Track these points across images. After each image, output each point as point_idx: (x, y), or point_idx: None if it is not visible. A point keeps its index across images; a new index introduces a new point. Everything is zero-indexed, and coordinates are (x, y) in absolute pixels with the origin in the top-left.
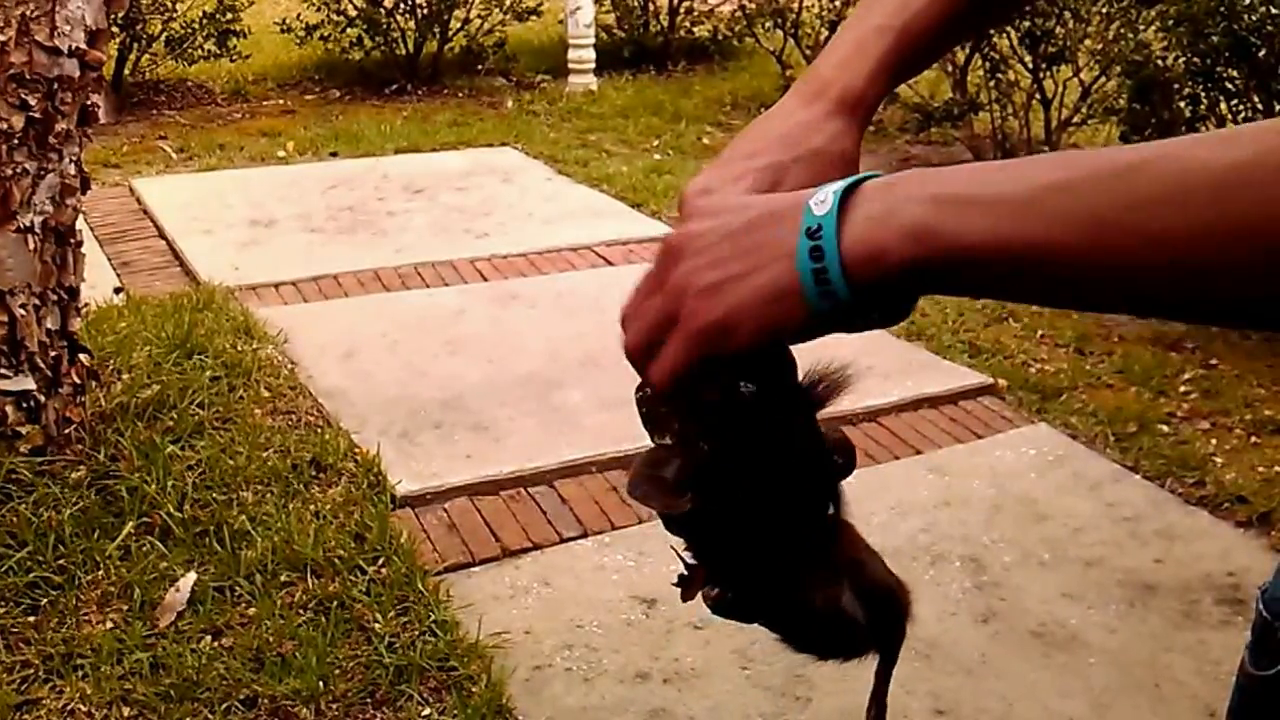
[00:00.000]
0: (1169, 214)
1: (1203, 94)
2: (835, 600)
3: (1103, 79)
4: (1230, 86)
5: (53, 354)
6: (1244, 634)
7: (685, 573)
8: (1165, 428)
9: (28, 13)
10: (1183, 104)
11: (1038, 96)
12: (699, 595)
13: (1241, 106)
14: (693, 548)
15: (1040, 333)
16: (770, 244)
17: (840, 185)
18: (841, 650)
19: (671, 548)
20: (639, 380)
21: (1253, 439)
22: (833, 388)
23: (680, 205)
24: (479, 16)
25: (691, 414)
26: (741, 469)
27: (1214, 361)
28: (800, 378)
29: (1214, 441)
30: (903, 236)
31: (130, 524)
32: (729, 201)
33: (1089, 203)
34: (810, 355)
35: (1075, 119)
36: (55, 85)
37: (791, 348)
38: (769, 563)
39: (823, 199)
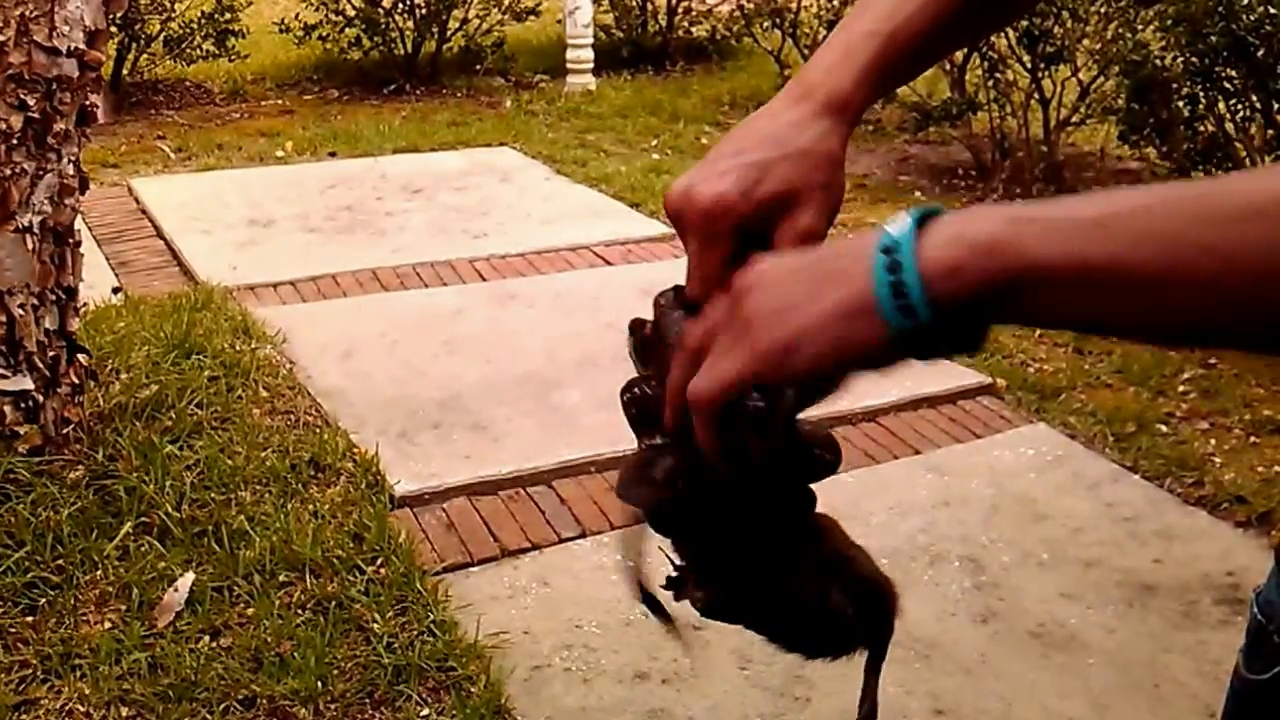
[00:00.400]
0: (1248, 230)
1: (1201, 94)
2: (824, 596)
3: (1101, 79)
4: (1229, 86)
5: (51, 354)
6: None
7: (674, 574)
8: (1164, 427)
9: (27, 13)
10: (1181, 104)
11: (1036, 96)
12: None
13: (1240, 106)
14: (681, 548)
15: (1039, 332)
16: (843, 270)
17: (915, 210)
18: (831, 647)
19: (660, 549)
20: (629, 379)
21: (1252, 439)
22: (822, 390)
23: (665, 202)
24: (477, 16)
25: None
26: (731, 466)
27: (1213, 361)
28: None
29: (1213, 441)
30: (979, 252)
31: (128, 524)
32: (804, 250)
33: (1166, 221)
34: None
35: (1074, 119)
36: (54, 85)
37: None
38: (756, 561)
39: (898, 221)
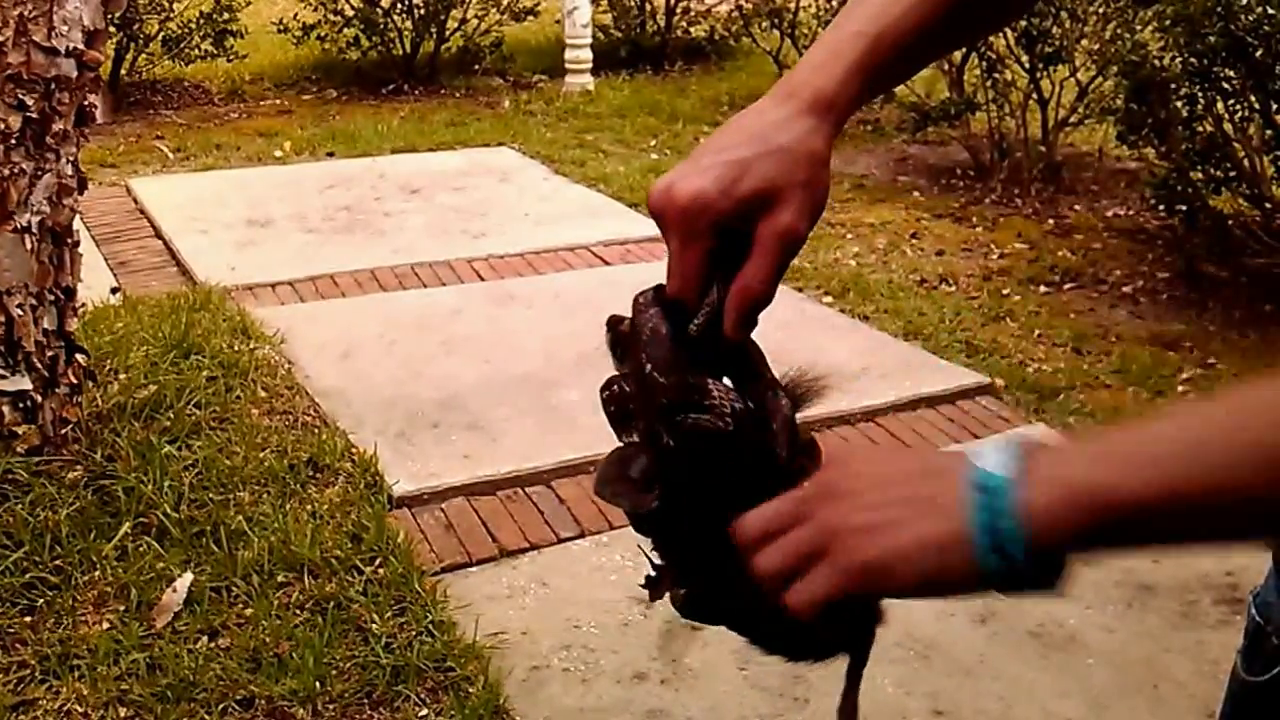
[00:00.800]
0: None
1: (1199, 94)
2: None
3: (1100, 79)
4: (1227, 87)
5: (49, 354)
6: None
7: (653, 573)
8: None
9: (25, 13)
10: (1179, 104)
11: (1034, 96)
12: (667, 596)
13: (1238, 106)
14: (660, 547)
15: (1038, 332)
16: (936, 496)
17: (1008, 448)
18: (809, 651)
19: (639, 547)
20: (608, 376)
21: None
22: (806, 394)
23: (648, 200)
24: (476, 16)
25: (661, 422)
26: (706, 468)
27: (1212, 361)
28: (774, 378)
29: None
30: (1076, 503)
31: (127, 524)
32: (895, 452)
33: (1259, 438)
34: (811, 358)
35: (1072, 119)
36: (52, 85)
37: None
38: (734, 562)
39: (994, 462)
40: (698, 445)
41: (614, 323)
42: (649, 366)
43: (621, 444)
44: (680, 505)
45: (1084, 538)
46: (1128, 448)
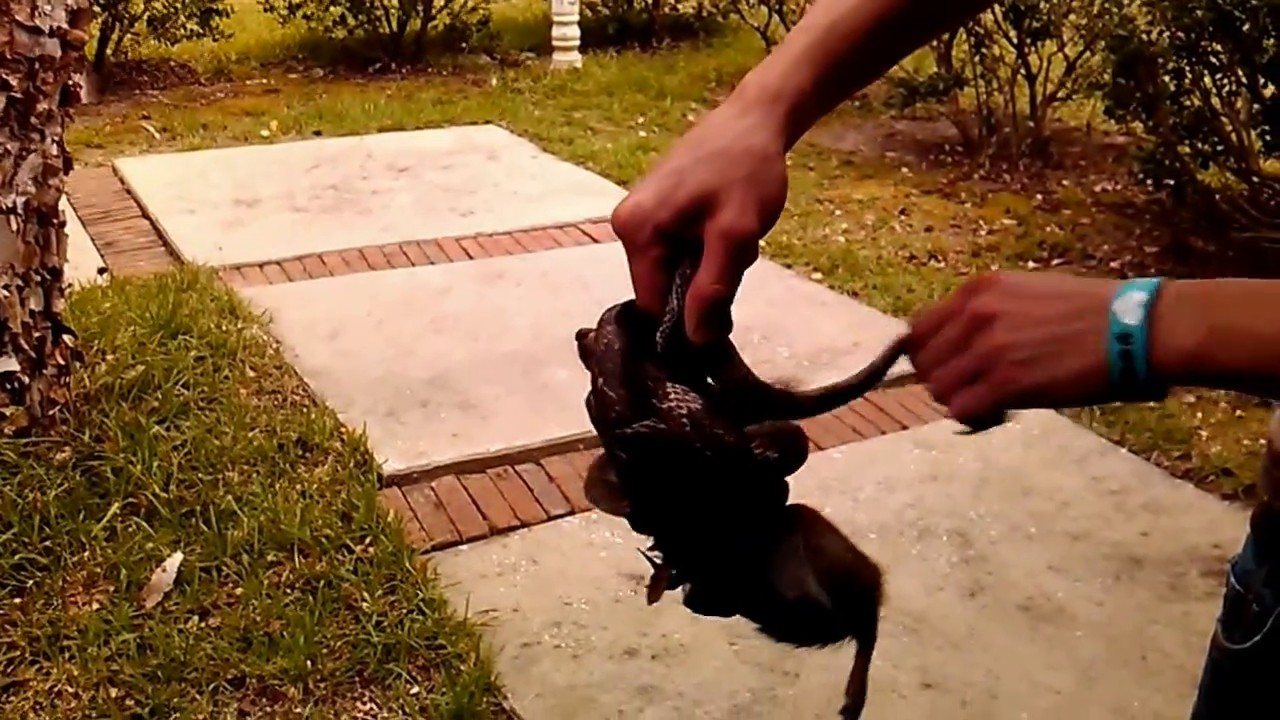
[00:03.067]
0: None
1: (1187, 68)
2: (800, 587)
3: (1087, 53)
4: (1214, 60)
5: (36, 335)
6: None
7: (654, 571)
8: (1150, 402)
9: None
10: (1167, 78)
11: (1022, 71)
12: (671, 593)
13: (1226, 80)
14: (658, 546)
15: None
16: (1082, 339)
17: (1144, 297)
18: (815, 637)
19: (639, 550)
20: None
21: (1238, 412)
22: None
23: (613, 222)
24: None
25: (610, 434)
26: (662, 473)
27: None
28: (749, 375)
29: (1199, 415)
30: (1188, 357)
31: (116, 505)
32: (1034, 285)
33: None
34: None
35: (1060, 94)
36: (36, 65)
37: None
38: (731, 554)
39: (1129, 309)
40: (647, 453)
41: (581, 335)
42: (600, 381)
43: (606, 447)
44: (652, 509)
45: (1195, 381)
46: (1233, 322)
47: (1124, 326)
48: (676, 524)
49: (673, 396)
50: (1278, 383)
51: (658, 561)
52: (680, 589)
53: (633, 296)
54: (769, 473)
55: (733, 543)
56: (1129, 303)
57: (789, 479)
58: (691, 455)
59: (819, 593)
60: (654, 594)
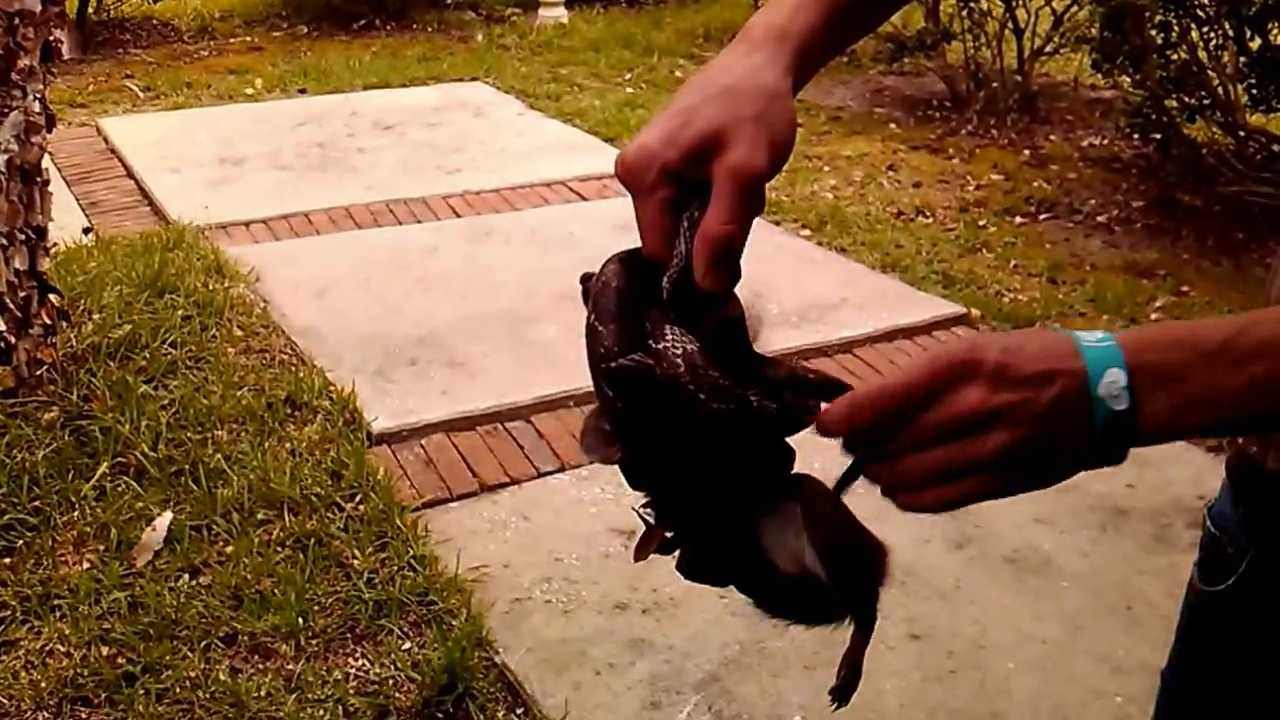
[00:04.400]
0: None
1: (1174, 21)
2: (797, 560)
3: (1074, 7)
4: (1201, 14)
5: (22, 294)
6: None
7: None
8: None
9: None
10: (1154, 32)
11: (1010, 26)
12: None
13: (1212, 34)
14: (651, 503)
15: (1013, 262)
16: (1071, 434)
17: (1123, 380)
18: (811, 615)
19: (633, 509)
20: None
21: None
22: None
23: (618, 166)
24: None
25: (597, 371)
26: (655, 415)
27: (1185, 288)
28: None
29: None
30: (1158, 430)
31: (105, 464)
32: (1017, 367)
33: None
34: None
35: (1047, 48)
36: (16, 20)
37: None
38: (723, 519)
39: (1115, 394)
40: (636, 393)
41: (585, 279)
42: (592, 317)
43: (603, 395)
44: (644, 458)
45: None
46: (1196, 397)
47: (1112, 414)
48: (669, 477)
49: (669, 336)
50: (1237, 430)
51: (650, 520)
52: (672, 553)
53: (638, 244)
54: (767, 427)
55: (727, 504)
56: (1113, 386)
57: (794, 445)
58: (683, 397)
59: (816, 567)
60: (642, 552)
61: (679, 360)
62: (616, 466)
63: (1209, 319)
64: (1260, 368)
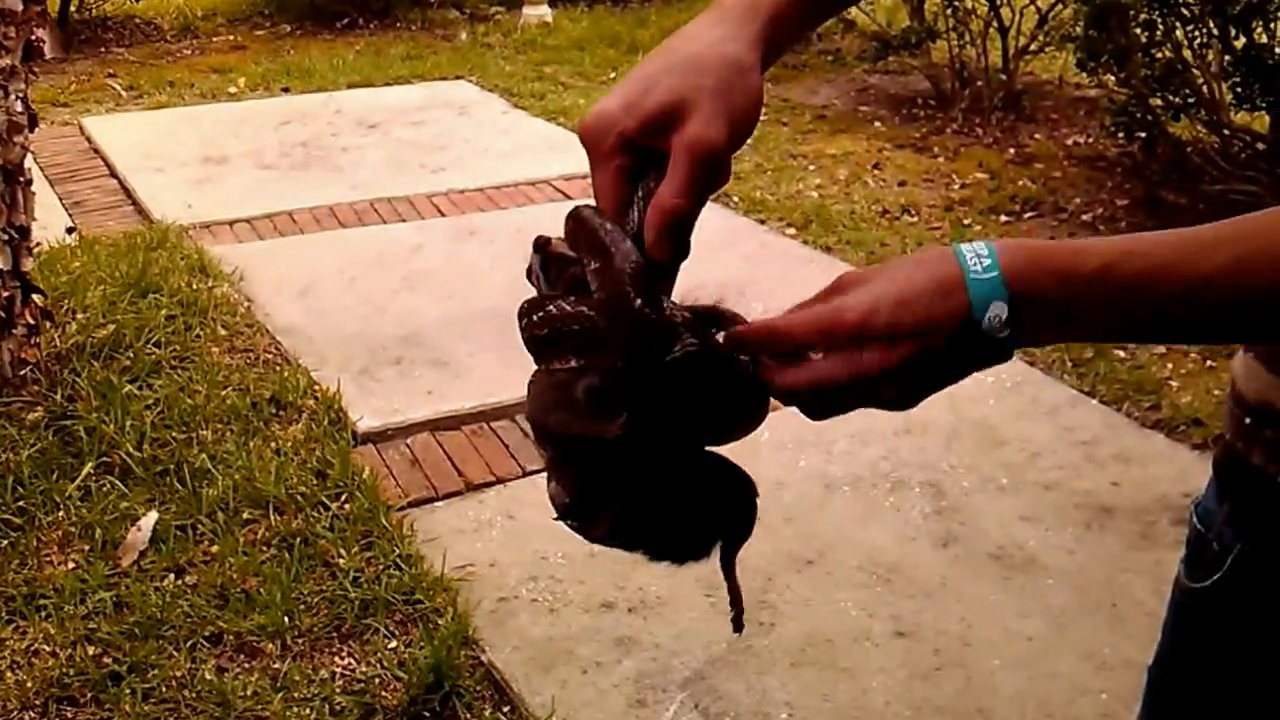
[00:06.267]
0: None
1: (1159, 20)
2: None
3: (1059, 6)
4: (1186, 12)
5: (5, 294)
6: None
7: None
8: (1121, 353)
9: None
10: (1139, 30)
11: (995, 24)
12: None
13: (1197, 32)
14: (594, 476)
15: None
16: (959, 362)
17: (1004, 314)
18: (693, 551)
19: (555, 483)
20: (531, 299)
21: (1208, 363)
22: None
23: (578, 130)
24: None
25: (642, 350)
26: (681, 389)
27: None
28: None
29: (1169, 366)
30: (1037, 344)
31: (89, 464)
32: (902, 315)
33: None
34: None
35: (1032, 47)
36: None
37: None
38: (659, 477)
39: (997, 326)
40: (679, 369)
41: (543, 243)
42: (638, 301)
43: (554, 369)
44: (649, 427)
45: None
46: (1087, 322)
47: (995, 340)
48: (658, 444)
49: (678, 316)
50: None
51: (566, 497)
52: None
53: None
54: (750, 389)
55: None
56: (995, 320)
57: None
58: (700, 371)
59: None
60: (598, 529)
61: (695, 339)
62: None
63: (1089, 241)
64: (1131, 303)
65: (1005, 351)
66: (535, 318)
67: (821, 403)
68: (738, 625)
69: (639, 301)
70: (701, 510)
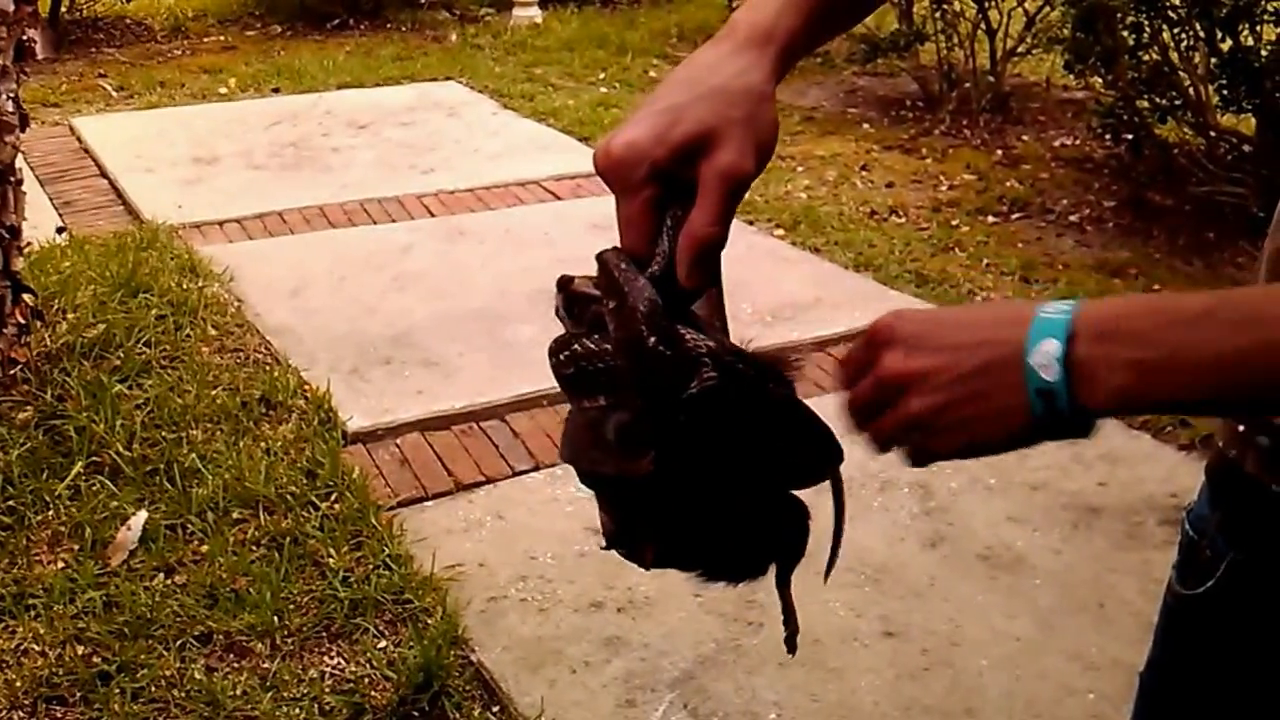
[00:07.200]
0: None
1: (1146, 22)
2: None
3: (1046, 8)
4: (1173, 15)
5: None
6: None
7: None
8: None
9: None
10: (1126, 32)
11: (983, 26)
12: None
13: (1184, 35)
14: (627, 507)
15: (986, 262)
16: (1000, 396)
17: (1058, 349)
18: (749, 571)
19: (602, 514)
20: (560, 337)
21: None
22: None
23: (603, 159)
24: None
25: (665, 392)
26: (707, 424)
27: (1157, 287)
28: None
29: None
30: (1117, 397)
31: (79, 463)
32: (942, 334)
33: (1266, 369)
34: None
35: (1020, 49)
36: None
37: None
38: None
39: (1045, 363)
40: (699, 404)
41: (565, 282)
42: (652, 339)
43: (584, 407)
44: (679, 464)
45: (1128, 414)
46: (1164, 353)
47: (1043, 383)
48: (690, 478)
49: (702, 349)
50: (1214, 409)
51: (613, 524)
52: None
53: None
54: (785, 415)
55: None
56: (1044, 356)
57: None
58: (725, 402)
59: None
60: (643, 557)
61: (716, 374)
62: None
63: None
64: (1244, 338)
65: (1058, 402)
66: (562, 356)
67: (859, 417)
68: (791, 645)
69: (653, 340)
70: (752, 537)
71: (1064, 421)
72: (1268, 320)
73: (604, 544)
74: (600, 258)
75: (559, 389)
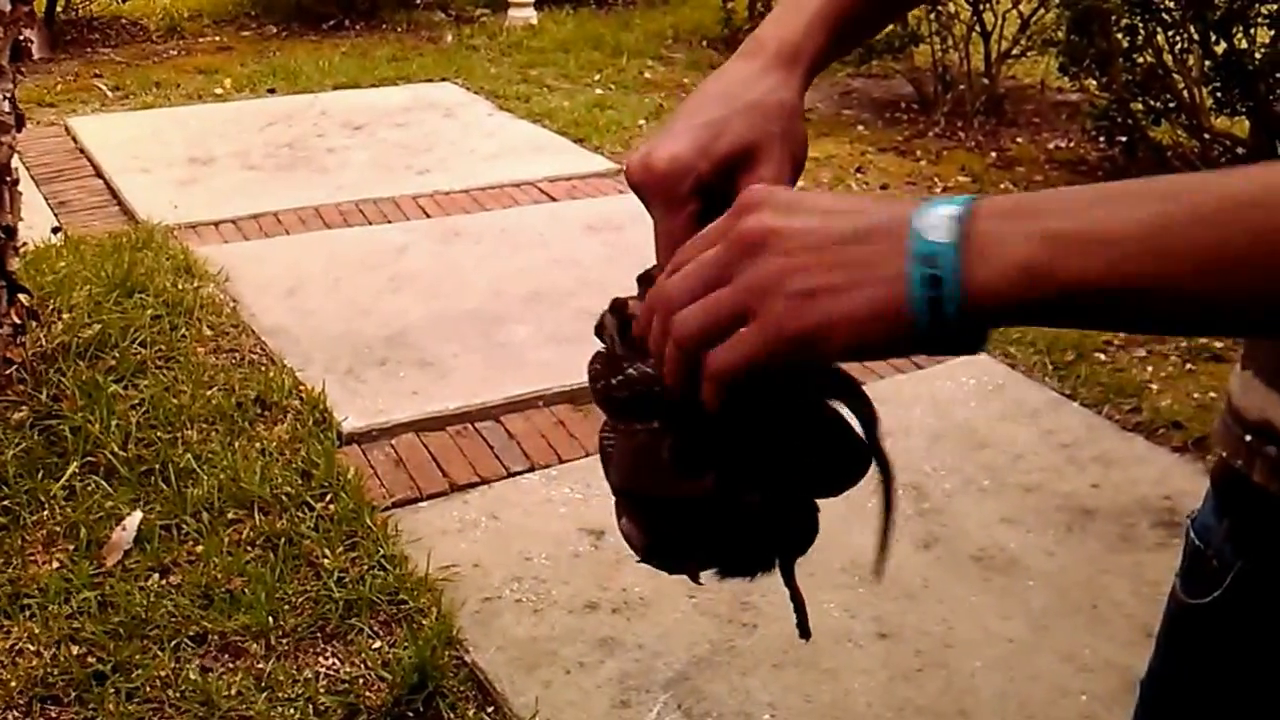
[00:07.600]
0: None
1: (1140, 25)
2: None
3: (1041, 10)
4: (1167, 17)
5: None
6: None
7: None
8: (1102, 355)
9: None
10: (1120, 35)
11: (977, 28)
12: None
13: (1178, 38)
14: (669, 517)
15: None
16: (876, 262)
17: (955, 211)
18: (761, 563)
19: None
20: (600, 316)
21: (1188, 366)
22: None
23: (626, 175)
24: None
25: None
26: (762, 438)
27: None
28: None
29: (1150, 369)
30: (1018, 280)
31: (74, 464)
32: (819, 201)
33: (1211, 237)
34: None
35: (1014, 51)
36: None
37: None
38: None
39: (935, 224)
40: (757, 422)
41: (619, 305)
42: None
43: (635, 430)
44: (737, 478)
45: (1022, 313)
46: (1073, 227)
47: (929, 245)
48: (747, 489)
49: None
50: (1143, 302)
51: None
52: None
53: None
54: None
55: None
56: (935, 217)
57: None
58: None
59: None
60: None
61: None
62: (578, 466)
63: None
64: (1180, 208)
65: (942, 278)
66: (615, 380)
67: (684, 295)
68: (803, 631)
69: None
70: (773, 535)
71: (944, 308)
72: (1213, 190)
73: (637, 559)
74: (645, 276)
75: (558, 391)
